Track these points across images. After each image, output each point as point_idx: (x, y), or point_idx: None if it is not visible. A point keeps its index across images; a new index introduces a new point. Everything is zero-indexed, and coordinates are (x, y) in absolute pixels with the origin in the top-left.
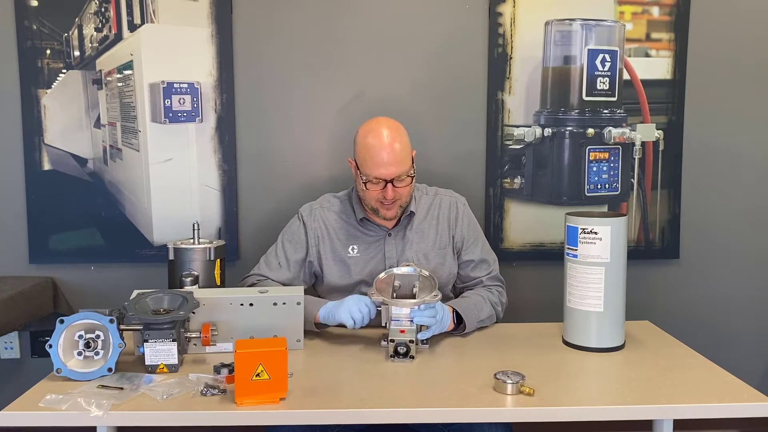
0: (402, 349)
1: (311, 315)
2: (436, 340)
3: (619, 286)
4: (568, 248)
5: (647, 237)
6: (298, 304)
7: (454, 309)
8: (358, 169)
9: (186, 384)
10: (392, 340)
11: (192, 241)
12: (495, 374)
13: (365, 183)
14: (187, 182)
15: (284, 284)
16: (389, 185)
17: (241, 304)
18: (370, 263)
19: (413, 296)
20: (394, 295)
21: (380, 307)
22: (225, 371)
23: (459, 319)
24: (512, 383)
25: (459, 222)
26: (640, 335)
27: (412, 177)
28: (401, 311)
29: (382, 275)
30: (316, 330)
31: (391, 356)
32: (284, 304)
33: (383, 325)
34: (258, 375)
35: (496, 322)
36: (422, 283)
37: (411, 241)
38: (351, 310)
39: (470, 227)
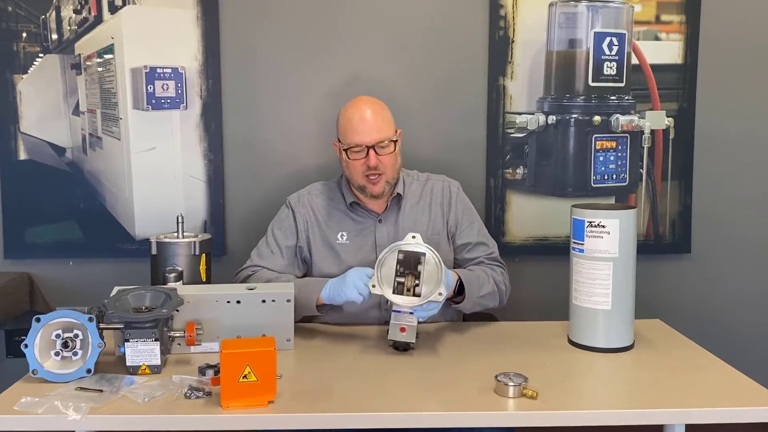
0: (401, 346)
1: (311, 298)
2: (435, 338)
3: (628, 282)
4: (574, 242)
5: (657, 230)
6: (288, 301)
7: (459, 277)
8: (341, 142)
9: (169, 386)
10: (392, 342)
11: (176, 234)
12: (496, 376)
13: (347, 152)
14: (170, 172)
15: (280, 272)
16: (372, 152)
17: (228, 302)
18: (360, 250)
19: (417, 275)
20: (396, 282)
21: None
22: (210, 372)
23: (458, 291)
24: (514, 385)
25: (453, 206)
26: (650, 334)
27: (395, 143)
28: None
29: (381, 257)
30: (317, 314)
31: (389, 345)
32: (273, 301)
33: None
34: (245, 377)
35: (499, 306)
36: (428, 271)
37: (403, 228)
38: (357, 286)
39: (465, 211)
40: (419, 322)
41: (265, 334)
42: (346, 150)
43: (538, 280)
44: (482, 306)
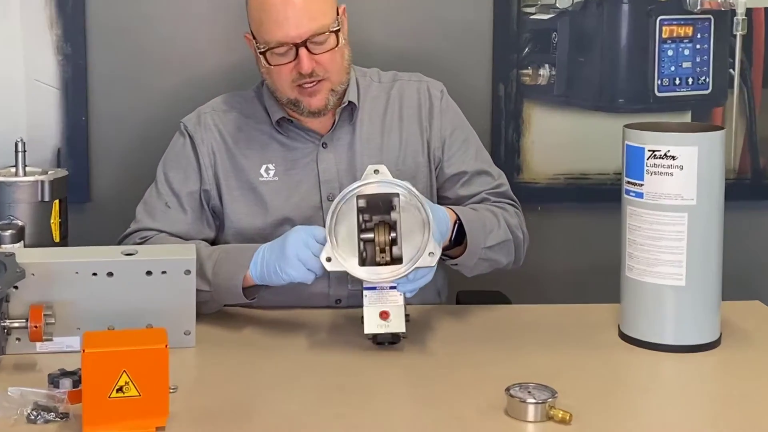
0: (387, 340)
1: (234, 278)
2: (418, 330)
3: (712, 243)
4: (629, 183)
5: (756, 164)
6: (187, 272)
7: (457, 219)
8: (255, 40)
9: (3, 404)
10: (372, 337)
11: (14, 170)
12: (508, 388)
13: (265, 55)
14: (5, 75)
15: (184, 237)
16: (302, 52)
17: (94, 274)
18: (296, 191)
19: (391, 224)
20: (362, 241)
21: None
22: (67, 383)
23: (457, 239)
24: (536, 403)
25: (435, 117)
26: (744, 324)
27: (337, 33)
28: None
29: (333, 211)
30: (246, 302)
31: (369, 339)
32: (164, 273)
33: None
34: (120, 389)
35: (514, 265)
36: (408, 221)
37: (360, 154)
38: (303, 258)
39: (455, 124)
40: (407, 300)
41: (151, 324)
42: (263, 52)
43: (572, 240)
44: (491, 264)
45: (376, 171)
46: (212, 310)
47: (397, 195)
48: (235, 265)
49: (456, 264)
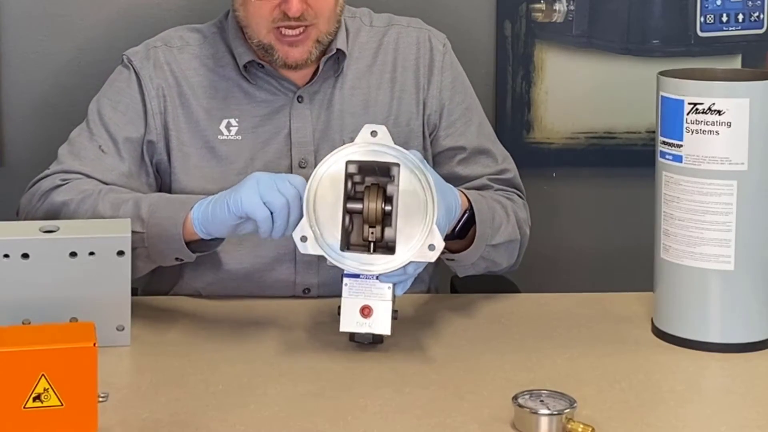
0: (366, 340)
1: (172, 226)
2: (409, 325)
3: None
4: (665, 143)
5: None
6: (121, 254)
7: (469, 206)
8: None
9: None
10: (353, 337)
11: None
12: (516, 397)
13: None
14: None
15: (116, 185)
16: None
17: (6, 256)
18: (262, 153)
19: (388, 199)
20: (348, 213)
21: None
22: None
23: (460, 230)
24: (550, 414)
25: (435, 74)
26: None
27: None
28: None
29: (319, 174)
30: (188, 255)
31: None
32: (92, 254)
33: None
34: (38, 398)
35: (511, 268)
36: (405, 200)
37: (342, 112)
38: (265, 194)
39: (456, 87)
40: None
41: (77, 317)
42: None
43: (594, 213)
44: (488, 266)
45: (373, 133)
46: (141, 272)
47: (397, 166)
48: (176, 204)
49: (453, 259)
